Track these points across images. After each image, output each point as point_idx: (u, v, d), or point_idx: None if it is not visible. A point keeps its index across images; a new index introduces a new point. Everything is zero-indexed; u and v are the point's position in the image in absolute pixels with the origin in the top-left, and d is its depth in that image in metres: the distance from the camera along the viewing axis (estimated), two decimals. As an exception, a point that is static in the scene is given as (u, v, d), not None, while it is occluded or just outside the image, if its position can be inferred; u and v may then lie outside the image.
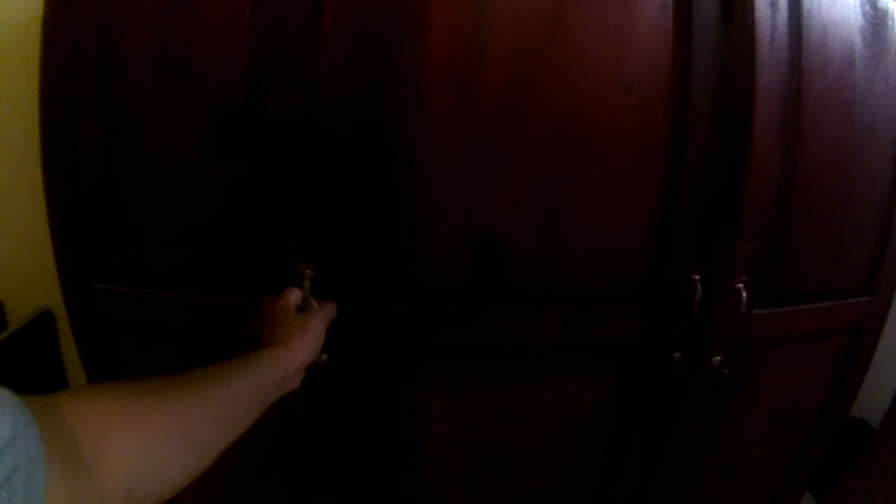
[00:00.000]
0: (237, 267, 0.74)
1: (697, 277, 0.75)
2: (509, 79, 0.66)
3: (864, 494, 0.98)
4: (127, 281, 0.77)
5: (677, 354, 0.79)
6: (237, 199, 0.71)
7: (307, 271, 0.68)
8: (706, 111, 0.69)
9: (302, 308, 0.65)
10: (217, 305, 0.75)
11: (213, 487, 0.81)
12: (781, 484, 1.01)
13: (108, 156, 0.73)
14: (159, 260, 0.76)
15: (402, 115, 0.66)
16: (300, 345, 0.58)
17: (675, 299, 0.77)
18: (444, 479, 0.84)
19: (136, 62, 0.68)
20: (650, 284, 0.76)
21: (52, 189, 0.77)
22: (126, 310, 0.78)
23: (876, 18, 0.78)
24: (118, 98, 0.70)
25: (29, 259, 1.03)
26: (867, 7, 0.77)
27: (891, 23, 0.79)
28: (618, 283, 0.75)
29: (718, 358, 0.80)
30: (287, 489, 0.85)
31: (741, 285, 0.76)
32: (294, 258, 0.71)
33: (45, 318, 1.18)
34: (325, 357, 0.70)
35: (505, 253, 0.70)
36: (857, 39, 0.77)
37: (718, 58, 0.69)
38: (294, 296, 0.65)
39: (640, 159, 0.71)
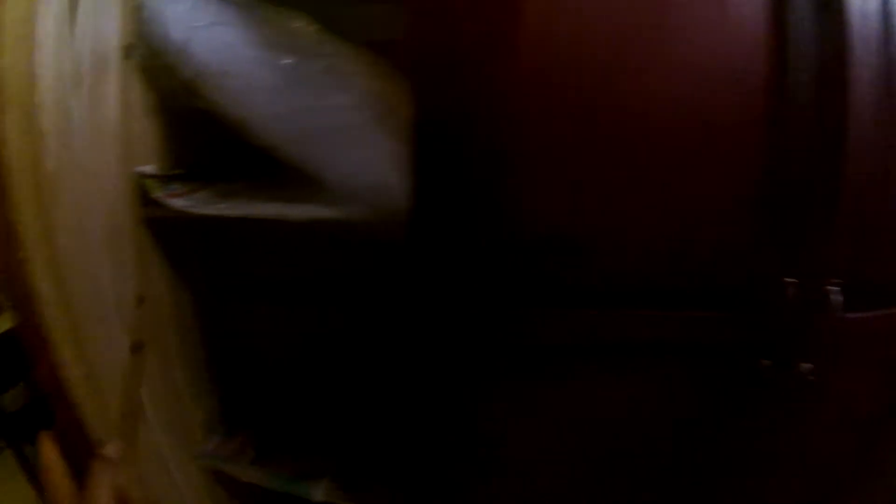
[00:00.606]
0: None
1: (790, 280, 0.70)
2: (608, 68, 0.65)
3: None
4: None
5: (766, 361, 0.74)
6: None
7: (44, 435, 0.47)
8: (802, 101, 0.66)
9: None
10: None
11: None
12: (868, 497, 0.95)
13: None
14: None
15: (496, 106, 0.65)
16: None
17: (764, 302, 0.72)
18: (514, 479, 0.82)
19: None
20: (739, 286, 0.72)
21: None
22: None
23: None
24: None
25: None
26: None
27: None
28: (705, 283, 0.72)
29: (809, 365, 0.75)
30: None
31: (836, 287, 0.71)
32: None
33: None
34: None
35: (591, 250, 0.68)
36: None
37: (814, 44, 0.65)
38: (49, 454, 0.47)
39: (733, 152, 0.68)
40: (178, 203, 0.86)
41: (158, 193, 0.86)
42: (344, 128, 0.78)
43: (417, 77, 0.69)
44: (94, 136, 0.79)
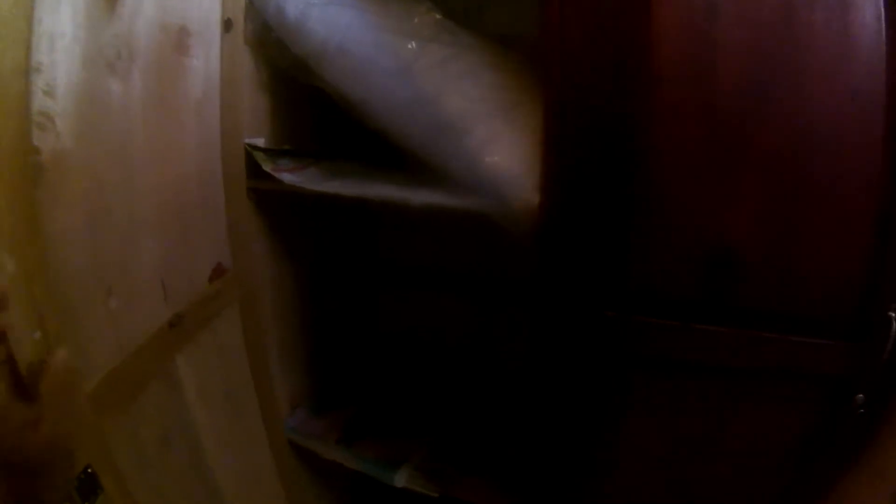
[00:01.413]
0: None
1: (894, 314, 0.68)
2: (745, 76, 0.64)
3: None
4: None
5: (860, 396, 0.72)
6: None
7: None
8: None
9: None
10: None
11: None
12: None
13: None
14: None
15: (637, 109, 0.64)
16: None
17: (875, 334, 0.70)
18: (632, 491, 0.81)
19: None
20: (857, 315, 0.70)
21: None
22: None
23: None
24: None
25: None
26: None
27: None
28: (829, 311, 0.70)
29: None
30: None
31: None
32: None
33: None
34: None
35: (735, 267, 0.67)
36: None
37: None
38: None
39: (861, 176, 0.66)
40: (289, 178, 0.86)
41: (269, 167, 0.87)
42: (468, 117, 0.78)
43: (557, 75, 0.68)
44: (160, 112, 0.77)
